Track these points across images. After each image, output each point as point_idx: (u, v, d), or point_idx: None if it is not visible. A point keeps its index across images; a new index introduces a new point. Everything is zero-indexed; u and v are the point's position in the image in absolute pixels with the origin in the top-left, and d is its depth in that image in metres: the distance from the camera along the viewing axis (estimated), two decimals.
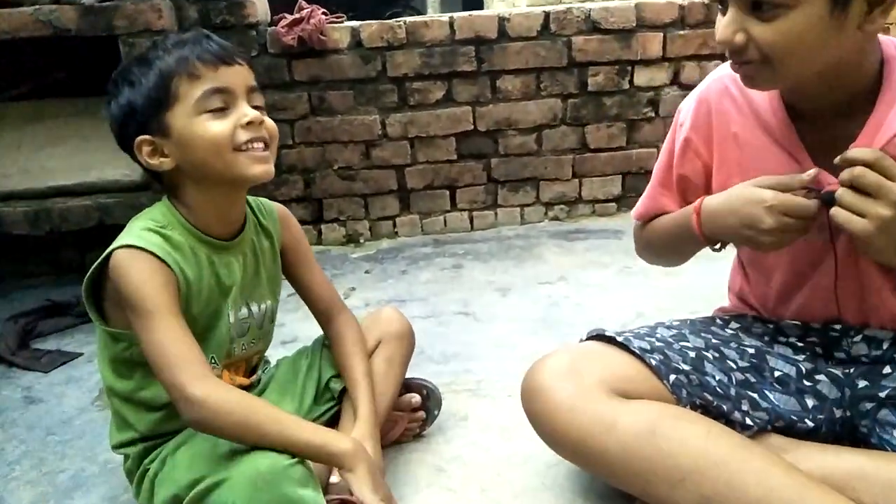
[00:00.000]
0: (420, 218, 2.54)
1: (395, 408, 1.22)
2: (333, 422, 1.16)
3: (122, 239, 0.96)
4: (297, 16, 2.27)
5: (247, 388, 1.14)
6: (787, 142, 0.97)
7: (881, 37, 0.88)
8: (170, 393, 0.91)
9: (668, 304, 1.72)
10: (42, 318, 1.90)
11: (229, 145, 0.95)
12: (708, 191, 1.08)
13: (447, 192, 2.52)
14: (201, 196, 1.01)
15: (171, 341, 0.91)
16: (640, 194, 1.19)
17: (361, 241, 2.52)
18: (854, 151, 0.84)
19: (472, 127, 2.43)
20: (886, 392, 0.95)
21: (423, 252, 2.37)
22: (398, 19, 2.33)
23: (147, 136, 0.96)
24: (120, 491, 1.18)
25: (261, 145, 0.97)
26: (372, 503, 0.91)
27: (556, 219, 2.58)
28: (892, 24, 4.35)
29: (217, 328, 1.04)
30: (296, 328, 1.75)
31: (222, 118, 0.95)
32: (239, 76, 0.97)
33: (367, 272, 2.22)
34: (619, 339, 1.01)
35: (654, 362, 0.99)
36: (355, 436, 1.03)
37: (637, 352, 0.99)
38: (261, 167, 0.98)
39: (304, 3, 2.33)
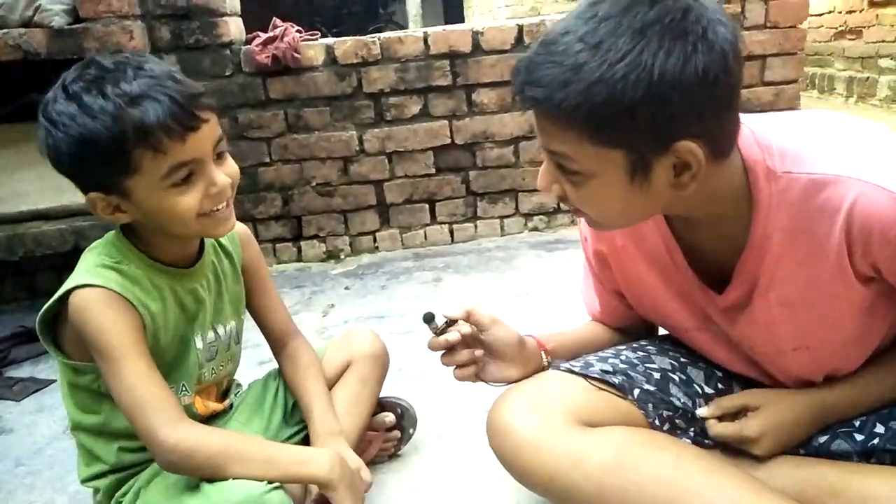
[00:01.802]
0: (400, 232, 2.53)
1: (369, 428, 1.21)
2: (305, 442, 1.14)
3: (77, 277, 0.91)
4: (270, 34, 2.28)
5: (221, 413, 1.13)
6: (670, 265, 0.95)
7: (743, 134, 0.80)
8: (142, 438, 0.89)
9: None
10: (16, 345, 1.88)
11: (195, 216, 0.90)
12: None
13: (427, 206, 2.52)
14: (151, 238, 0.97)
15: (141, 385, 0.88)
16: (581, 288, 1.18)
17: (342, 256, 2.51)
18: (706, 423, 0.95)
19: (450, 140, 2.44)
20: (837, 423, 0.95)
21: (404, 266, 2.36)
22: (372, 35, 2.33)
23: (100, 194, 0.88)
24: None
25: (224, 204, 0.93)
26: None
27: (535, 229, 2.58)
28: (863, 27, 4.38)
29: (187, 356, 1.02)
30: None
31: (189, 189, 0.89)
32: (207, 138, 0.89)
33: (346, 288, 2.21)
34: (576, 369, 1.00)
35: (616, 381, 0.98)
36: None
37: (598, 375, 0.98)
38: (225, 227, 0.96)
39: (278, 21, 2.33)
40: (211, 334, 1.06)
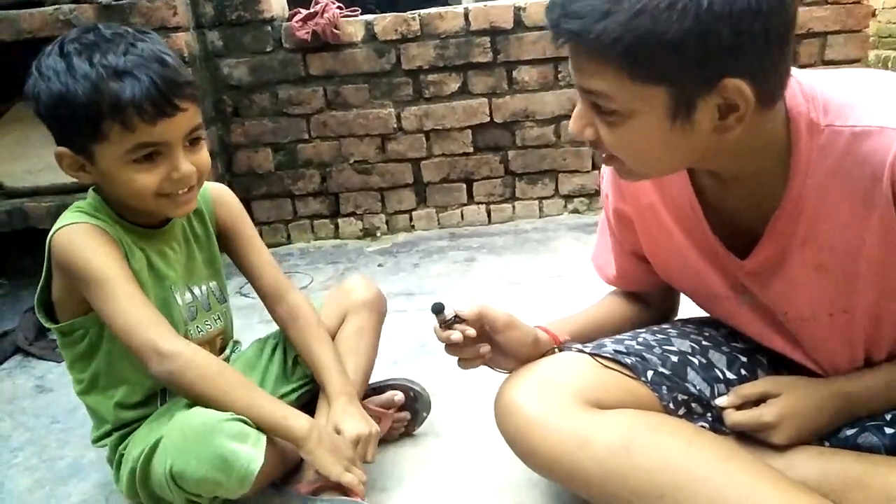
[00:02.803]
0: (437, 211, 2.51)
1: (379, 404, 1.20)
2: (311, 401, 1.15)
3: (56, 224, 0.96)
4: (311, 10, 2.28)
5: None
6: (695, 227, 0.90)
7: (791, 83, 0.75)
8: (140, 353, 0.91)
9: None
10: None
11: (152, 194, 0.93)
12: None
13: (463, 186, 2.49)
14: (117, 198, 0.98)
15: (134, 306, 0.92)
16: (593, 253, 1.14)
17: (378, 234, 2.51)
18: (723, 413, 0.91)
19: (489, 119, 2.40)
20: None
21: (438, 245, 2.35)
22: (412, 11, 2.31)
23: (68, 151, 0.92)
24: (112, 478, 1.20)
25: (185, 190, 0.95)
26: (338, 476, 0.95)
27: (575, 211, 2.52)
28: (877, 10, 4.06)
29: (170, 312, 1.03)
30: None
31: (151, 168, 0.91)
32: (179, 127, 0.91)
33: (379, 265, 2.21)
34: (587, 350, 0.96)
35: (629, 361, 0.94)
36: (333, 415, 1.04)
37: (610, 354, 0.94)
38: (182, 210, 0.98)
39: None
40: (188, 295, 1.08)
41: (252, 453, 0.88)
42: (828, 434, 0.90)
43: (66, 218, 0.97)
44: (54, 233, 0.94)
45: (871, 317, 0.84)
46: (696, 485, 0.79)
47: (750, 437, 0.91)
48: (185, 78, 0.91)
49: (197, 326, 1.09)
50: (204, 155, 0.97)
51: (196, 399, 0.92)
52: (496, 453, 1.16)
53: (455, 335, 0.93)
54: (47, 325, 1.03)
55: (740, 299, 0.93)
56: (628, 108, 0.71)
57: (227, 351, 1.18)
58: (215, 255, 1.14)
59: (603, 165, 1.02)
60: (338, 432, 1.01)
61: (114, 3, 2.10)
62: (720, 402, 0.92)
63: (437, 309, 0.94)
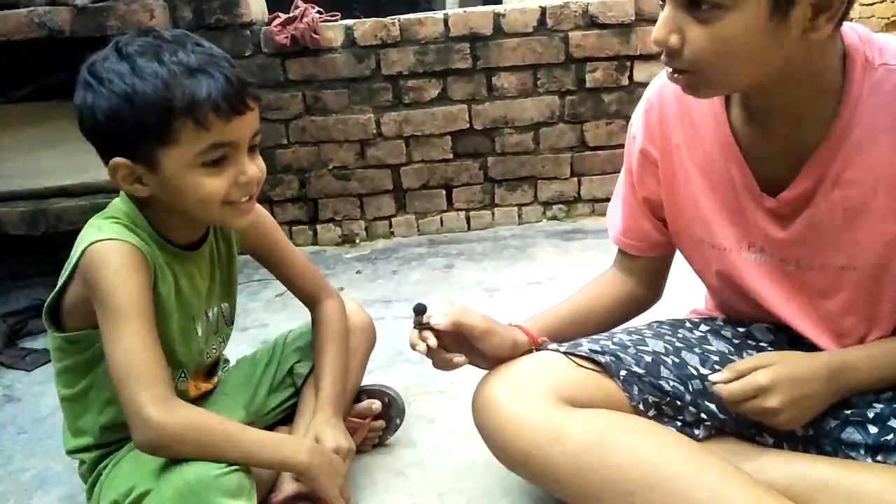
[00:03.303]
0: (416, 218, 2.51)
1: (355, 415, 1.19)
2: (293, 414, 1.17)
3: (93, 234, 0.89)
4: (290, 15, 2.27)
5: (209, 392, 1.13)
6: (730, 156, 0.91)
7: (844, 26, 0.80)
8: (126, 408, 0.86)
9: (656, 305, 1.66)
10: (32, 317, 1.92)
11: (219, 201, 0.89)
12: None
13: (443, 192, 2.48)
14: (169, 212, 0.94)
15: (140, 351, 0.86)
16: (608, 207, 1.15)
17: (357, 241, 2.50)
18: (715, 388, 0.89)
19: (468, 125, 2.40)
20: (852, 410, 0.90)
21: (417, 252, 2.34)
22: (392, 17, 2.30)
23: (127, 161, 0.87)
24: (79, 491, 1.17)
25: (247, 198, 0.92)
26: (335, 499, 0.95)
27: (554, 218, 2.53)
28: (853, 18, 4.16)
29: (188, 343, 1.01)
30: (278, 329, 1.73)
31: (219, 173, 0.88)
32: (248, 126, 0.88)
33: (358, 272, 2.20)
34: (562, 349, 0.97)
35: (604, 360, 0.95)
36: (315, 423, 1.03)
37: (586, 353, 0.95)
38: (244, 219, 0.94)
39: (299, 1, 2.32)
40: (204, 319, 1.05)
41: None
42: (816, 422, 0.90)
43: (104, 229, 0.90)
44: (90, 244, 0.88)
45: (877, 280, 0.86)
46: (667, 484, 0.80)
47: (723, 439, 0.92)
48: (249, 78, 0.90)
49: (206, 352, 1.08)
50: (261, 161, 0.93)
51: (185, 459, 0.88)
52: (470, 463, 1.16)
53: (420, 346, 0.96)
54: (52, 331, 0.97)
55: (745, 253, 0.95)
56: None
57: (219, 372, 1.16)
58: (234, 276, 1.12)
59: (633, 115, 1.05)
60: (316, 441, 1.02)
61: (90, 5, 2.08)
62: (714, 377, 0.91)
63: (420, 309, 0.95)
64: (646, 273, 1.13)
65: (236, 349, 1.26)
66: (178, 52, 0.84)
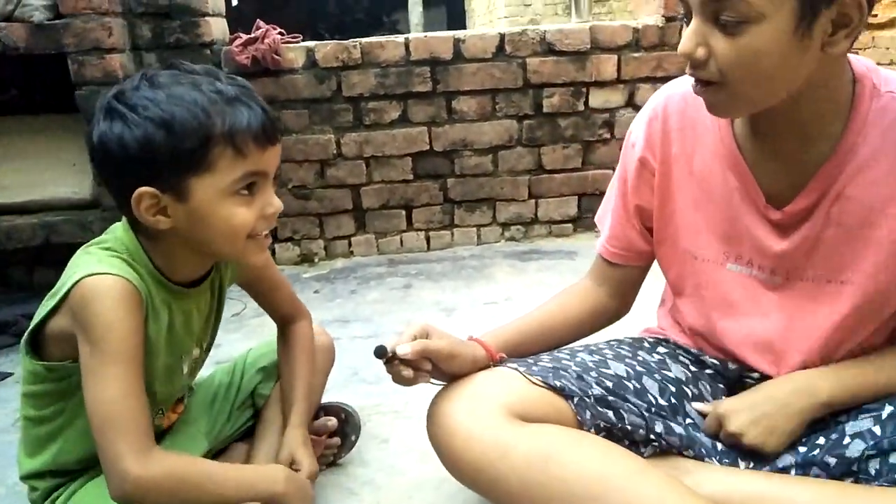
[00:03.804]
0: (376, 238, 2.53)
1: (312, 431, 1.19)
2: (248, 432, 1.19)
3: (88, 265, 0.85)
4: (251, 35, 2.28)
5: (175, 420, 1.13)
6: (735, 169, 0.95)
7: (851, 56, 0.85)
8: (103, 455, 0.84)
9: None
10: None
11: (246, 233, 0.88)
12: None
13: (403, 212, 2.51)
14: (181, 248, 0.92)
15: (123, 399, 0.83)
16: (596, 215, 1.17)
17: (316, 260, 2.50)
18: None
19: (429, 147, 2.44)
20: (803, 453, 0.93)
21: (377, 272, 2.35)
22: (353, 40, 2.33)
23: (154, 191, 0.84)
24: None
25: (266, 233, 0.92)
26: None
27: (512, 239, 2.57)
28: (859, 49, 4.43)
29: (172, 380, 1.00)
30: (234, 349, 1.72)
31: (249, 203, 0.87)
32: (277, 156, 0.89)
33: (315, 292, 2.20)
34: (521, 369, 0.98)
35: (558, 384, 0.97)
36: (290, 443, 1.05)
37: (540, 376, 0.97)
38: (263, 255, 0.94)
39: (261, 23, 2.34)
40: (193, 352, 1.05)
41: None
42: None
43: (103, 261, 0.87)
44: (84, 277, 0.84)
45: (862, 294, 0.89)
46: (610, 497, 0.82)
47: (666, 457, 0.96)
48: (275, 117, 0.90)
49: (186, 386, 1.07)
50: (278, 200, 0.92)
51: None
52: (423, 482, 1.17)
53: (408, 372, 0.95)
54: (32, 359, 0.93)
55: (730, 264, 0.98)
56: (760, 11, 0.74)
57: (185, 401, 1.15)
58: (222, 308, 1.10)
59: (632, 124, 1.07)
60: (291, 461, 1.03)
61: (46, 22, 2.06)
62: (697, 406, 1.01)
63: (380, 352, 0.94)
64: (621, 284, 1.15)
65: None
66: (215, 83, 0.84)
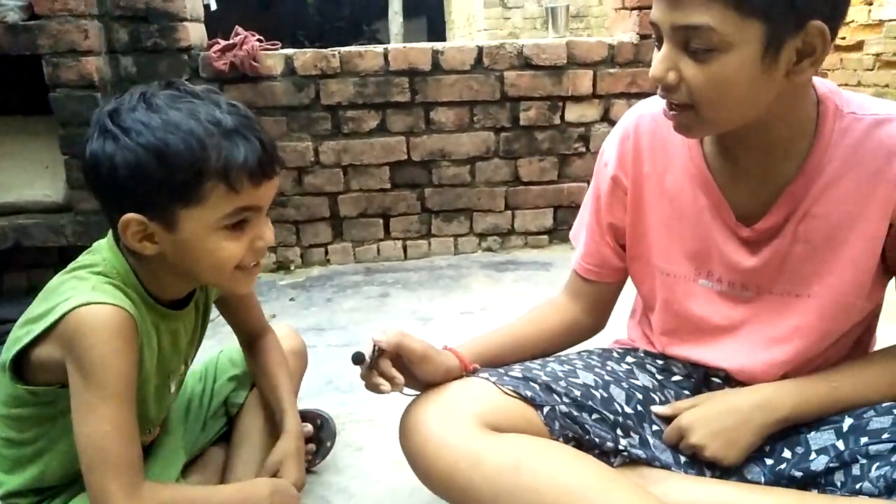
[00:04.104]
0: (353, 246, 2.53)
1: None
2: (222, 437, 1.18)
3: (81, 293, 0.82)
4: (230, 41, 2.28)
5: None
6: (704, 187, 0.97)
7: (815, 79, 0.88)
8: (92, 494, 0.82)
9: None
10: None
11: (234, 266, 0.86)
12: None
13: (381, 221, 2.52)
14: (167, 271, 0.89)
15: (116, 435, 0.81)
16: (571, 227, 1.18)
17: (292, 268, 2.49)
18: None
19: (406, 157, 2.45)
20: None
21: (353, 280, 2.35)
22: (332, 49, 2.34)
23: (142, 218, 0.82)
24: None
25: (256, 263, 0.90)
26: None
27: (489, 249, 2.59)
28: (828, 70, 4.56)
29: (161, 401, 0.99)
30: (206, 355, 1.71)
31: (238, 237, 0.85)
32: (272, 190, 0.86)
33: (291, 299, 2.19)
34: (492, 379, 0.99)
35: (528, 394, 0.98)
36: (284, 449, 1.04)
37: (511, 386, 0.98)
38: (250, 285, 0.92)
39: (239, 29, 2.33)
40: (182, 369, 1.04)
41: None
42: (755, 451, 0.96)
43: (97, 289, 0.83)
44: (78, 307, 0.80)
45: (826, 307, 0.92)
46: (580, 503, 0.84)
47: (635, 467, 0.97)
48: (276, 149, 0.87)
49: (171, 402, 1.06)
50: (271, 228, 0.90)
51: None
52: (396, 490, 1.17)
53: (385, 387, 0.96)
54: (15, 384, 0.88)
55: (702, 280, 1.01)
56: (727, 41, 0.76)
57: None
58: (206, 324, 1.09)
59: (605, 143, 1.09)
60: (276, 470, 1.03)
61: (21, 23, 2.03)
62: (657, 409, 1.01)
63: (358, 358, 0.95)
64: (595, 300, 1.17)
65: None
66: (215, 111, 0.81)
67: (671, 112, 0.87)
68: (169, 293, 0.93)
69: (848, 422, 0.92)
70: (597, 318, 1.19)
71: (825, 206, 0.89)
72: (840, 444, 0.91)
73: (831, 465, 0.89)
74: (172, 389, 1.01)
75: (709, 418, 0.95)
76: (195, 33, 2.31)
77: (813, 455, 0.92)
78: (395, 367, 1.00)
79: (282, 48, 2.37)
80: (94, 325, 0.80)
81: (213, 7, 2.59)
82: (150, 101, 0.81)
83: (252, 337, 1.17)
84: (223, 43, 2.28)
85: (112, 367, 0.80)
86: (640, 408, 1.04)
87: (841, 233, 0.90)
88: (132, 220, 0.82)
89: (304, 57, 2.31)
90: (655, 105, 1.01)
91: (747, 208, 0.94)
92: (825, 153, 0.88)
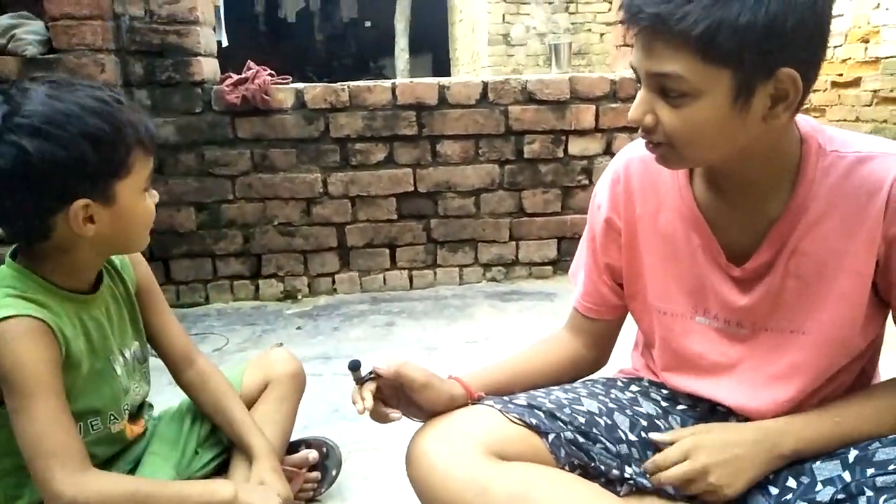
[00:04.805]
0: (359, 275, 2.55)
1: (292, 464, 1.20)
2: (222, 468, 1.16)
3: None
4: (242, 76, 2.34)
5: (139, 437, 1.12)
6: (696, 228, 0.99)
7: (798, 117, 0.90)
8: (38, 485, 0.86)
9: None
10: None
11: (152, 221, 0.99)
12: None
13: (387, 251, 2.55)
14: (76, 258, 0.95)
15: (49, 427, 0.86)
16: (574, 257, 1.19)
17: (299, 297, 2.51)
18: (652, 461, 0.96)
19: (413, 188, 2.49)
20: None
21: (359, 309, 2.37)
22: (342, 83, 2.40)
23: (87, 201, 0.88)
24: None
25: None
26: None
27: (493, 280, 2.61)
28: (826, 106, 4.63)
29: (109, 384, 1.01)
30: None
31: (147, 196, 0.97)
32: None
33: (298, 328, 2.21)
34: (497, 407, 1.00)
35: (534, 422, 0.99)
36: (260, 472, 1.05)
37: (517, 413, 0.99)
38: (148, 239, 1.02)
39: (251, 63, 2.40)
40: (121, 359, 1.05)
41: None
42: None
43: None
44: None
45: (821, 343, 0.93)
46: None
47: (643, 497, 0.97)
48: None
49: (135, 390, 1.07)
50: None
51: None
52: None
53: (359, 405, 0.96)
54: None
55: (699, 318, 1.01)
56: (697, 88, 0.79)
57: (144, 416, 1.14)
58: (138, 315, 1.12)
59: (597, 186, 1.11)
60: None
61: (39, 56, 2.10)
62: (655, 436, 0.99)
63: (354, 366, 0.97)
64: (597, 336, 1.18)
65: (170, 404, 1.25)
66: (102, 92, 0.89)
67: (652, 149, 0.90)
68: (76, 282, 0.98)
69: (854, 453, 0.92)
70: (599, 352, 1.19)
71: (812, 244, 0.91)
72: (846, 476, 0.90)
73: (838, 496, 0.89)
74: (118, 372, 1.02)
75: (715, 445, 0.95)
76: (208, 68, 2.38)
77: (819, 486, 0.91)
78: (398, 395, 1.01)
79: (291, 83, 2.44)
80: (2, 338, 0.86)
81: (224, 43, 2.66)
82: (47, 94, 0.85)
83: (185, 361, 1.16)
84: (235, 77, 2.34)
85: (26, 368, 0.86)
86: (643, 435, 1.04)
87: (829, 269, 0.91)
88: (80, 206, 0.88)
89: (315, 91, 2.37)
90: (643, 147, 1.04)
91: (738, 247, 0.96)
92: (809, 191, 0.89)
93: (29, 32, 2.09)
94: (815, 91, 5.18)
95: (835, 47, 4.55)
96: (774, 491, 0.94)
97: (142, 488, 0.92)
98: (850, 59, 4.45)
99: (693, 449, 0.95)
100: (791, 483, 0.94)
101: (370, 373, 0.97)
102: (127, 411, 1.05)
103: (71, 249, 0.94)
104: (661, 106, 0.84)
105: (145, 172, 0.93)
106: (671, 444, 0.98)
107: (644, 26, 0.80)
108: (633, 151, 1.06)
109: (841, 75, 4.48)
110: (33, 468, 0.85)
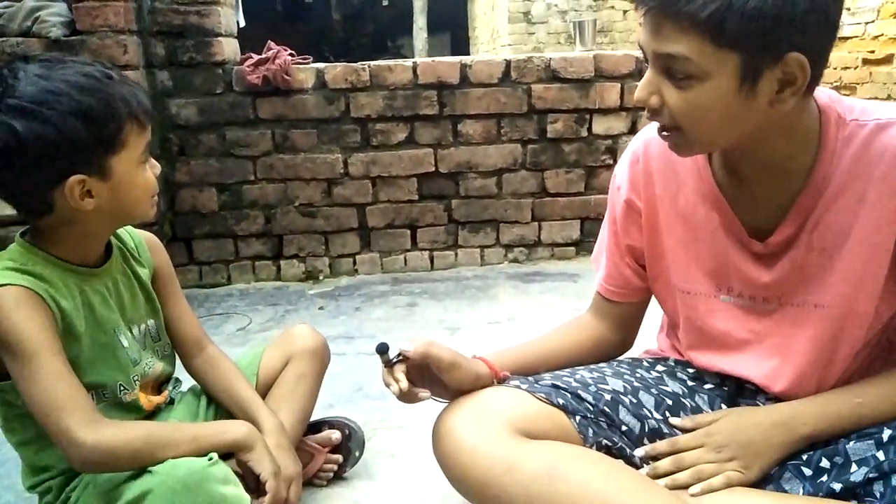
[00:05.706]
0: (380, 256, 2.55)
1: (315, 443, 1.20)
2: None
3: None
4: (263, 56, 2.33)
5: (161, 407, 1.13)
6: (716, 206, 0.98)
7: (817, 89, 0.88)
8: (56, 440, 0.87)
9: None
10: None
11: (154, 191, 0.99)
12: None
13: (408, 232, 2.54)
14: (83, 231, 0.97)
15: (54, 385, 0.87)
16: (598, 237, 1.18)
17: (320, 277, 2.52)
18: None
19: (434, 168, 2.47)
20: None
21: (381, 290, 2.37)
22: (362, 63, 2.38)
23: (83, 177, 0.90)
24: None
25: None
26: (269, 476, 0.96)
27: (515, 261, 2.60)
28: (857, 83, 4.51)
29: (116, 355, 1.02)
30: None
31: (150, 166, 0.98)
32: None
33: (320, 308, 2.22)
34: (524, 386, 1.00)
35: (561, 401, 0.98)
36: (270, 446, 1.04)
37: (544, 393, 0.99)
38: (154, 209, 1.03)
39: (272, 44, 2.39)
40: (129, 333, 1.06)
41: (238, 494, 0.88)
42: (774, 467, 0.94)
43: None
44: None
45: (842, 315, 0.92)
46: None
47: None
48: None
49: (146, 365, 1.08)
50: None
51: (136, 469, 0.90)
52: (427, 497, 1.18)
53: (394, 387, 0.97)
54: None
55: (723, 296, 1.01)
56: (704, 70, 0.78)
57: (168, 388, 1.15)
58: (153, 296, 1.13)
59: (616, 167, 1.10)
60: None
61: (63, 38, 2.10)
62: (675, 421, 0.99)
63: (382, 349, 0.97)
64: (621, 319, 1.17)
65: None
66: (92, 69, 0.89)
67: (663, 133, 0.89)
68: (82, 255, 1.00)
69: (887, 433, 0.91)
70: (624, 336, 1.19)
71: (835, 215, 0.90)
72: (880, 455, 0.89)
73: (871, 475, 0.88)
74: (126, 344, 1.04)
75: (734, 429, 0.95)
76: (229, 48, 2.37)
77: (854, 467, 0.90)
78: (424, 375, 1.01)
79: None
80: None
81: (242, 23, 2.65)
82: (37, 74, 0.86)
83: (196, 347, 1.17)
84: (256, 57, 2.33)
85: (22, 331, 0.87)
86: (668, 414, 1.03)
87: (852, 241, 0.89)
88: (76, 181, 0.90)
89: (335, 71, 2.35)
90: None
91: (759, 223, 0.95)
92: (831, 163, 0.88)
93: (53, 14, 2.10)
94: (846, 68, 5.10)
95: (866, 23, 4.43)
96: (808, 472, 0.94)
97: (156, 430, 0.94)
98: (882, 35, 4.32)
99: (713, 432, 0.95)
100: (825, 464, 0.93)
101: (398, 355, 0.97)
102: (138, 382, 1.06)
103: (75, 223, 0.96)
104: (667, 87, 0.83)
105: (141, 145, 0.94)
106: (693, 430, 0.98)
107: (652, 6, 0.79)
108: (652, 132, 1.04)
109: (872, 52, 4.35)
110: (48, 426, 0.87)
